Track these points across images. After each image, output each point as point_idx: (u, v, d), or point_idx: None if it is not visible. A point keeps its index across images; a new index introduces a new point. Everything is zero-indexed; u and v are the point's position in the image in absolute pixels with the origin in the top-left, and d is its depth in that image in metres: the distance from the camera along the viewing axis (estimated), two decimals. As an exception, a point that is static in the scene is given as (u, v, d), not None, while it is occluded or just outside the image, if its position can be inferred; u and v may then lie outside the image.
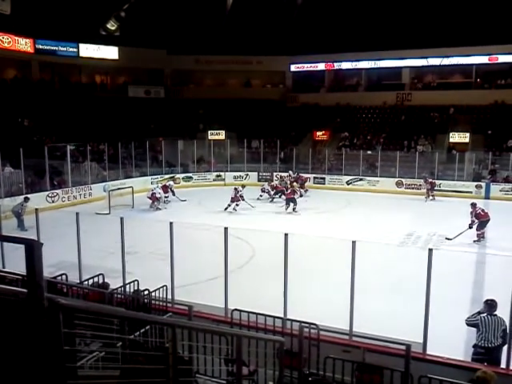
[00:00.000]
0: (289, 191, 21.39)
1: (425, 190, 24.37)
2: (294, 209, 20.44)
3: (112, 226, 9.77)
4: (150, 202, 20.95)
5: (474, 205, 16.09)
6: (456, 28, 28.24)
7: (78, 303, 4.29)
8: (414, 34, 29.50)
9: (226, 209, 20.47)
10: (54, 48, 31.23)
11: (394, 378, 6.02)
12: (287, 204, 20.68)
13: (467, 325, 7.35)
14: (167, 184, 23.12)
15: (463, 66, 32.40)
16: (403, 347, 6.15)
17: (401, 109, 32.55)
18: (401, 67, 34.01)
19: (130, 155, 26.40)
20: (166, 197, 21.98)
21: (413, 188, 26.01)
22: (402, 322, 8.28)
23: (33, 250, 2.51)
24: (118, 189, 22.02)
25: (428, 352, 7.08)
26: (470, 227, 15.46)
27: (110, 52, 33.07)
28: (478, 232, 15.49)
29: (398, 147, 28.40)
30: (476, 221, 15.53)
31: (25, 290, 2.68)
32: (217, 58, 34.15)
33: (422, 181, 24.91)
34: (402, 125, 31.12)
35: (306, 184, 25.41)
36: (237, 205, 20.51)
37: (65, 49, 31.72)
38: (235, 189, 21.03)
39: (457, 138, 28.05)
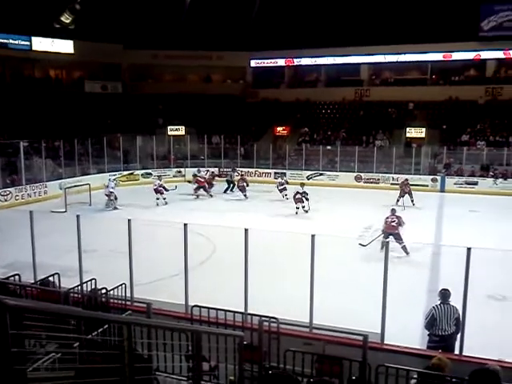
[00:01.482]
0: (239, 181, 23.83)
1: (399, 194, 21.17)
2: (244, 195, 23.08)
3: (68, 224, 9.53)
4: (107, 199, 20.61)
5: (393, 211, 14.48)
6: (412, 25, 28.90)
7: (27, 303, 4.14)
8: (372, 31, 30.03)
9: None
10: (5, 41, 30.02)
11: (352, 368, 6.14)
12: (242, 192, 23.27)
13: (426, 328, 7.53)
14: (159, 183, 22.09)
15: (419, 62, 33.23)
16: (361, 338, 6.27)
17: (359, 104, 33.11)
18: (359, 63, 34.53)
19: (86, 152, 25.77)
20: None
21: (371, 182, 26.53)
22: (361, 314, 8.43)
23: None
24: (75, 186, 21.45)
25: (386, 342, 7.25)
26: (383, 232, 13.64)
27: (65, 46, 32.13)
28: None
29: (356, 142, 28.89)
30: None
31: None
32: (176, 52, 33.67)
33: (400, 184, 22.18)
34: (361, 120, 31.66)
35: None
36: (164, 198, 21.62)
37: (16, 42, 30.54)
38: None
39: (413, 132, 28.76)
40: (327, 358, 6.35)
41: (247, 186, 23.82)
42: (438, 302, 7.48)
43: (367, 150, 28.14)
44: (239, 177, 24.93)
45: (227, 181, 25.34)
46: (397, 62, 33.38)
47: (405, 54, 32.61)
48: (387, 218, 14.04)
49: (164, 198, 21.55)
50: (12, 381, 2.65)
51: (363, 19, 30.04)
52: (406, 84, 32.72)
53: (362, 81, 34.89)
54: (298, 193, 19.50)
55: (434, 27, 28.75)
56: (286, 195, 21.91)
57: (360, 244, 13.44)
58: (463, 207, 20.34)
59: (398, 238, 13.31)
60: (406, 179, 21.99)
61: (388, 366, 5.93)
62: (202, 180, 23.93)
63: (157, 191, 21.48)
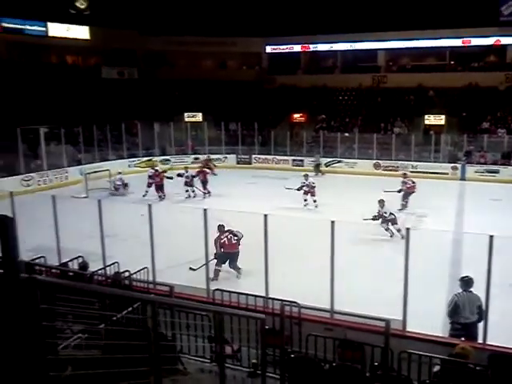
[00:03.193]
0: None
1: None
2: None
3: (89, 209, 9.63)
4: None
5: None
6: (430, 10, 28.43)
7: (55, 280, 4.22)
8: (389, 17, 29.57)
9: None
10: (21, 27, 30.22)
11: (374, 354, 6.13)
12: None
13: (449, 316, 7.44)
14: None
15: (437, 48, 32.64)
16: (383, 324, 6.26)
17: (377, 91, 32.69)
18: (376, 49, 34.07)
19: (105, 138, 25.94)
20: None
21: (390, 170, 26.27)
22: (383, 300, 8.40)
23: (5, 226, 2.46)
24: (95, 172, 21.63)
25: (408, 329, 7.22)
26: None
27: (81, 32, 32.27)
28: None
29: (374, 129, 28.58)
30: None
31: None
32: (190, 38, 33.55)
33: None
34: (379, 107, 31.29)
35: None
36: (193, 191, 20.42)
37: (32, 28, 30.74)
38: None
39: (432, 120, 28.36)
40: (349, 343, 6.35)
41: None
42: (461, 290, 7.40)
43: (386, 137, 27.84)
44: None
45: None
46: (414, 48, 32.83)
47: (423, 39, 32.03)
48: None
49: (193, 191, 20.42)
50: (44, 353, 2.71)
51: (380, 4, 29.60)
52: (424, 70, 32.21)
53: (379, 67, 34.42)
54: (305, 185, 18.31)
55: (452, 12, 28.25)
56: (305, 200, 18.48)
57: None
58: (484, 196, 20.05)
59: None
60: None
61: (411, 352, 5.91)
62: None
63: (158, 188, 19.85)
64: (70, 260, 8.16)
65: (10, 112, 24.77)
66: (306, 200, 18.23)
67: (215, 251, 10.21)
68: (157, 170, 20.33)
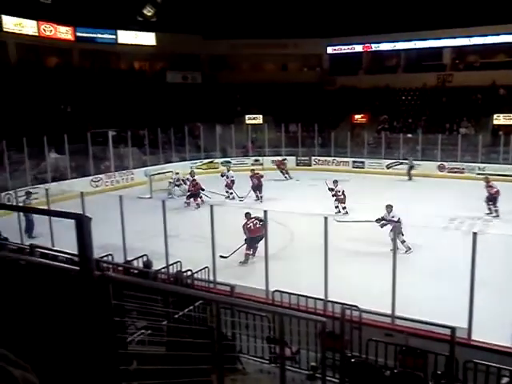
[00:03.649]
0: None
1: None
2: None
3: (153, 209, 9.95)
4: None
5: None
6: (499, 4, 27.05)
7: (126, 277, 4.40)
8: (455, 12, 28.45)
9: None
10: (93, 35, 31.76)
11: (438, 362, 5.95)
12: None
13: None
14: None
15: (508, 44, 31.01)
16: (447, 331, 6.07)
17: (442, 90, 31.58)
18: (441, 47, 32.88)
19: (169, 140, 26.69)
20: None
21: (455, 172, 25.31)
22: (446, 306, 8.13)
23: (82, 225, 2.59)
24: (159, 173, 22.32)
25: (473, 338, 6.95)
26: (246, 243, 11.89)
27: (148, 38, 33.39)
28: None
29: (439, 130, 27.62)
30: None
31: (75, 268, 2.78)
32: (253, 41, 33.84)
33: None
34: (444, 107, 30.21)
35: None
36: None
37: (104, 36, 32.22)
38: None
39: (502, 119, 27.07)
40: (411, 350, 6.20)
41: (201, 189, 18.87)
42: None
43: (451, 138, 26.81)
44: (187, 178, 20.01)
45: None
46: (483, 44, 31.37)
47: (491, 35, 30.56)
48: None
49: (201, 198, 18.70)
50: (115, 347, 2.84)
51: (445, 0, 28.55)
52: (493, 68, 30.68)
53: (444, 65, 33.18)
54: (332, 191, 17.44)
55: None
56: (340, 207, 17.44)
57: (221, 256, 10.79)
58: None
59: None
60: None
61: (478, 362, 5.69)
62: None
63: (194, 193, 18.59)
64: (135, 258, 8.47)
65: (81, 117, 26.13)
66: (337, 207, 17.20)
67: (245, 237, 11.51)
68: (194, 180, 18.97)
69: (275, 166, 25.86)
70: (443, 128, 28.07)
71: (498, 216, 16.17)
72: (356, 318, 6.78)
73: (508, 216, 15.89)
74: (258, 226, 11.42)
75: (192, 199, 18.42)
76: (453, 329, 6.02)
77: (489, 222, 15.53)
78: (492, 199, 16.57)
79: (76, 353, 2.76)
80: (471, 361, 5.78)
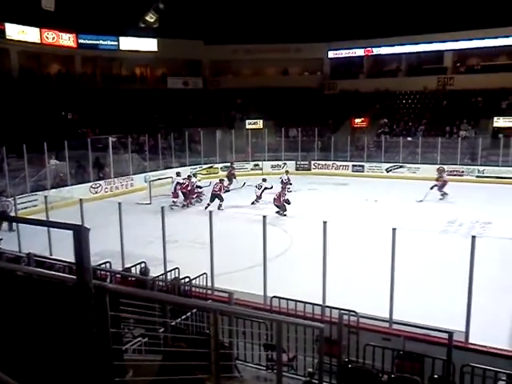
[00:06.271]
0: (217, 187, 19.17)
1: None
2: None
3: (153, 215, 10.00)
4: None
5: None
6: (501, 8, 27.08)
7: (123, 288, 4.44)
8: (455, 16, 28.50)
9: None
10: (96, 42, 31.93)
11: (435, 366, 5.96)
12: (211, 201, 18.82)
13: None
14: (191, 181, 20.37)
15: (509, 47, 30.99)
16: (444, 335, 6.09)
17: (442, 93, 31.63)
18: (442, 50, 32.91)
19: (169, 146, 26.73)
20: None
21: (455, 175, 25.31)
22: (444, 310, 8.14)
23: (81, 236, 2.61)
24: (159, 179, 22.36)
25: (470, 341, 6.96)
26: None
27: (149, 44, 33.50)
28: None
29: (439, 133, 27.65)
30: None
31: (73, 277, 2.81)
32: (254, 46, 33.99)
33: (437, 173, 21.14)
34: (444, 110, 30.25)
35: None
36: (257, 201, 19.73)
37: (106, 42, 32.37)
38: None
39: (501, 122, 27.09)
40: (408, 354, 6.22)
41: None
42: None
43: (450, 141, 26.83)
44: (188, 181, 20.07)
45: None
46: (484, 47, 31.37)
47: (493, 38, 30.57)
48: None
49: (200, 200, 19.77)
50: (110, 359, 2.86)
51: (446, 3, 28.58)
52: (494, 70, 30.63)
53: (445, 68, 33.19)
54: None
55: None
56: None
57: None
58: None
59: None
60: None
61: (474, 365, 5.70)
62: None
63: (185, 194, 19.56)
64: (133, 265, 8.50)
65: (82, 123, 26.25)
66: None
67: None
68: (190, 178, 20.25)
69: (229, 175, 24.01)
70: (443, 131, 28.10)
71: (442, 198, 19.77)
72: (353, 323, 6.79)
73: (506, 219, 15.90)
74: None
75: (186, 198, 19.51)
76: (450, 333, 6.04)
77: (487, 225, 15.53)
78: (442, 187, 20.01)
79: (71, 365, 2.79)
80: (468, 364, 5.80)
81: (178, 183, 19.78)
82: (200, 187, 20.35)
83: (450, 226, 15.63)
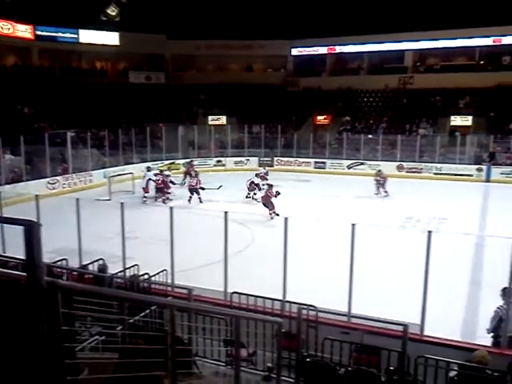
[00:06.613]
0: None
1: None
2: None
3: (112, 211, 9.80)
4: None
5: None
6: (459, 9, 27.89)
7: (76, 285, 4.34)
8: (416, 16, 29.19)
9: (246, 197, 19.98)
10: (54, 34, 31.07)
11: (391, 358, 6.10)
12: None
13: (491, 331, 7.10)
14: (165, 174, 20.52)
15: (467, 48, 31.98)
16: (401, 328, 6.22)
17: (403, 92, 32.35)
18: (403, 50, 33.69)
19: (130, 141, 26.32)
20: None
21: (414, 172, 25.98)
22: (400, 304, 8.33)
23: (32, 232, 2.54)
24: (119, 175, 21.97)
25: (425, 333, 7.15)
26: None
27: (111, 38, 32.87)
28: None
29: (399, 131, 28.29)
30: None
31: (25, 274, 2.73)
32: (218, 42, 33.88)
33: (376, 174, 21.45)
34: (404, 108, 30.97)
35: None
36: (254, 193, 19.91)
37: (65, 35, 31.54)
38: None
39: (459, 120, 27.95)
40: (366, 347, 6.33)
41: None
42: (502, 302, 7.12)
43: (410, 139, 27.53)
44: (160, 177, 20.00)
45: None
46: (443, 47, 32.27)
47: (452, 39, 31.47)
48: None
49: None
50: (61, 357, 2.80)
51: (407, 4, 29.20)
52: (453, 70, 31.55)
53: (405, 68, 33.99)
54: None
55: (482, 11, 27.61)
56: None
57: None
58: (509, 198, 19.63)
59: None
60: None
61: (428, 356, 5.86)
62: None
63: (160, 189, 19.62)
64: (91, 262, 8.33)
65: (39, 117, 25.50)
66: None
67: None
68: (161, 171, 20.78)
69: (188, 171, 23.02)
70: (403, 129, 28.76)
71: (387, 196, 20.29)
72: (313, 317, 6.86)
73: (463, 214, 16.41)
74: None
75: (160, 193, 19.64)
76: (405, 326, 6.18)
77: (444, 220, 16.00)
78: (382, 184, 20.59)
79: (21, 363, 2.71)
80: (422, 356, 5.95)
81: (149, 179, 19.81)
82: (173, 183, 20.42)
83: (408, 221, 16.02)
